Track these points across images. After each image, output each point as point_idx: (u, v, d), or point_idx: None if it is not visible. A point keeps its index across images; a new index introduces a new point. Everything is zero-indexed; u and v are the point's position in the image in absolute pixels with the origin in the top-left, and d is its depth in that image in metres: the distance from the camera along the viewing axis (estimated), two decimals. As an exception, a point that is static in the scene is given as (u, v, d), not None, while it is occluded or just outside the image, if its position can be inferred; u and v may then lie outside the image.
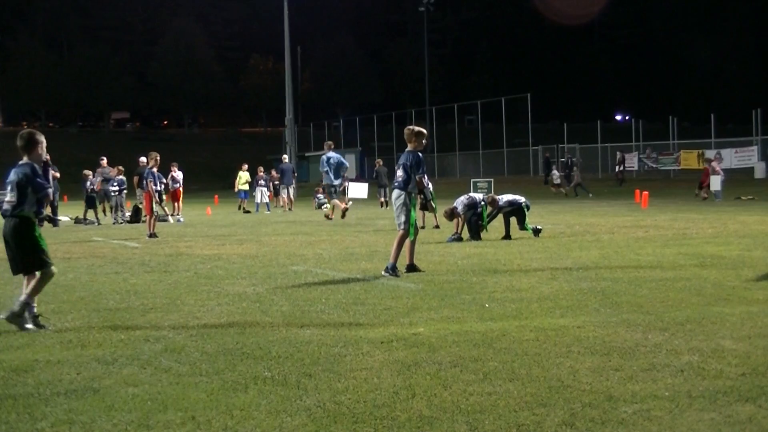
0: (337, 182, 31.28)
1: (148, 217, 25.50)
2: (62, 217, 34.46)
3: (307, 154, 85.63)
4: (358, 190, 50.30)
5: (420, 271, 14.56)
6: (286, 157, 46.81)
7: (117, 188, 33.49)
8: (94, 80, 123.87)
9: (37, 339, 9.22)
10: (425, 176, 16.68)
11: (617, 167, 60.66)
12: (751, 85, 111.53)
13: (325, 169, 30.50)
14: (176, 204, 35.54)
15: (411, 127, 14.87)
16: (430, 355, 7.98)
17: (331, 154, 30.88)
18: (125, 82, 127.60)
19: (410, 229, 14.45)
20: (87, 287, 13.37)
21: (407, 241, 14.61)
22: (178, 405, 6.54)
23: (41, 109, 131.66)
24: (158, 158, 25.81)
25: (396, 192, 14.68)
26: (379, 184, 43.95)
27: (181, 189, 36.14)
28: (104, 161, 36.42)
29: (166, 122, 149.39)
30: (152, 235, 24.22)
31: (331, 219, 30.29)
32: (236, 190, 45.08)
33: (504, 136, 74.40)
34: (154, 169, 25.87)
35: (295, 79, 79.53)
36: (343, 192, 33.73)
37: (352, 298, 11.64)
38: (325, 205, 43.12)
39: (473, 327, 9.37)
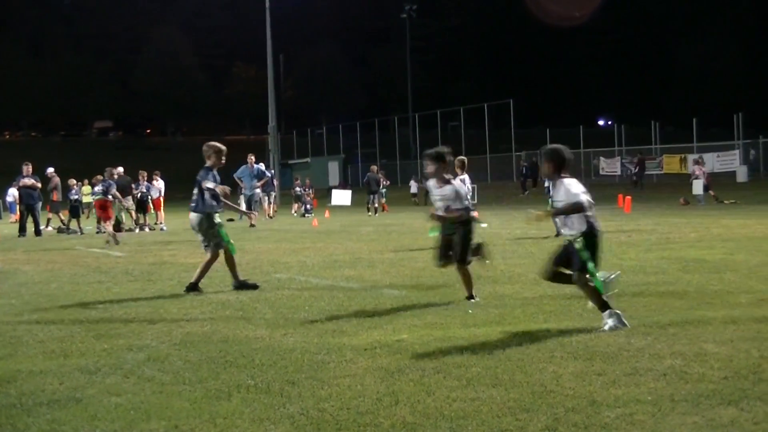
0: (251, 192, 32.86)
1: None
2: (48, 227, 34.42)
3: (290, 162, 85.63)
4: (341, 197, 50.37)
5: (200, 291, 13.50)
6: (262, 165, 46.77)
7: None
8: (77, 89, 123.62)
9: (19, 349, 9.20)
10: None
11: (634, 169, 60.47)
12: (734, 89, 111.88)
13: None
14: (159, 213, 35.47)
15: (211, 143, 14.17)
16: (414, 362, 7.99)
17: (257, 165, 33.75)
18: (109, 90, 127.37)
19: (231, 246, 13.86)
20: (70, 296, 13.34)
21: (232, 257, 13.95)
22: (162, 414, 6.53)
23: (23, 118, 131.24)
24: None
25: (193, 216, 13.92)
26: (369, 191, 43.92)
27: (162, 198, 36.05)
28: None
29: (149, 131, 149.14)
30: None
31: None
32: None
33: (487, 141, 74.47)
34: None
35: (278, 86, 79.45)
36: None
37: (336, 305, 11.64)
38: (310, 213, 43.15)
39: (457, 333, 9.37)
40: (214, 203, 13.81)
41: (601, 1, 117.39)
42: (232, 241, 14.05)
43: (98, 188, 28.78)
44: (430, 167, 11.84)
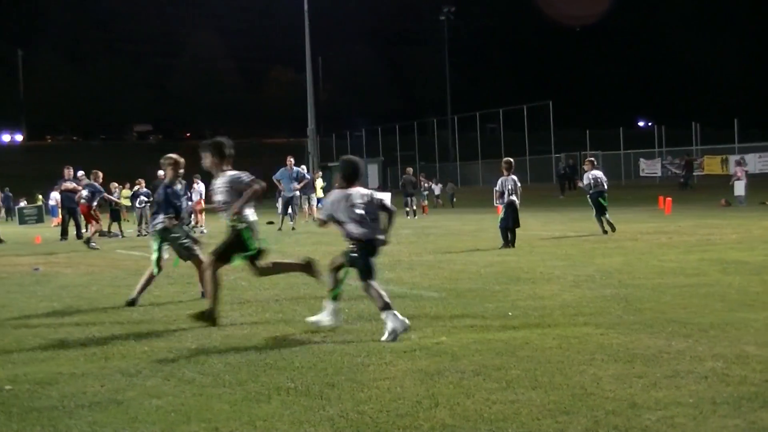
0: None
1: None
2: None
3: (329, 164, 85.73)
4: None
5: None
6: (304, 168, 46.90)
7: (145, 200, 33.48)
8: (116, 93, 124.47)
9: (60, 352, 9.26)
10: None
11: (682, 171, 60.05)
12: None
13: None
14: (199, 216, 35.58)
15: (168, 155, 13.62)
16: (453, 364, 7.97)
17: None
18: (147, 94, 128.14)
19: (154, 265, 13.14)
20: (110, 299, 13.41)
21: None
22: (202, 416, 6.56)
23: (64, 122, 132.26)
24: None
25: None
26: (405, 193, 43.84)
27: (202, 201, 36.14)
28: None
29: (188, 134, 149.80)
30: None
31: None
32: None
33: (526, 143, 74.25)
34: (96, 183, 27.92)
35: (316, 89, 79.57)
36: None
37: (374, 308, 11.61)
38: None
39: (496, 335, 9.35)
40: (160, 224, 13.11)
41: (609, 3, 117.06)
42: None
43: (85, 192, 29.23)
44: (206, 160, 11.44)
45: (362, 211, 10.12)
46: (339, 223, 10.35)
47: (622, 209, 38.90)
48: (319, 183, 44.76)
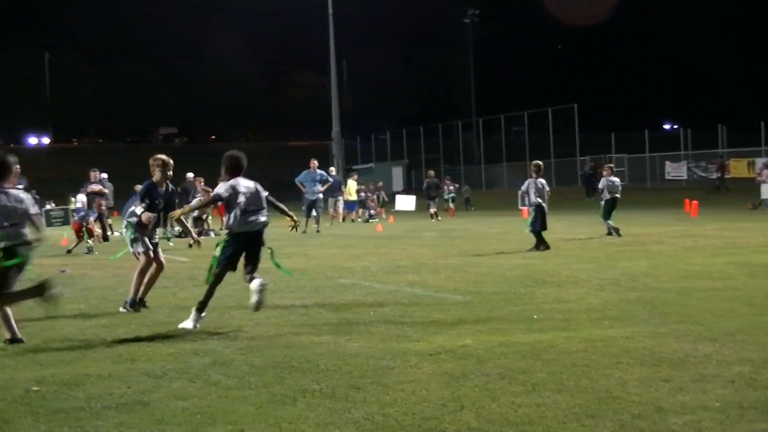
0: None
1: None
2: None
3: (354, 167, 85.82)
4: (406, 202, 50.33)
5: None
6: (333, 170, 46.94)
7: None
8: (141, 96, 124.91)
9: (87, 353, 9.30)
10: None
11: (716, 173, 59.69)
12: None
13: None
14: (222, 218, 35.65)
15: (157, 156, 13.53)
16: (478, 367, 7.97)
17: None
18: (172, 97, 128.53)
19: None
20: (136, 302, 13.44)
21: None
22: (227, 418, 6.57)
23: (90, 125, 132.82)
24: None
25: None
26: (428, 196, 43.77)
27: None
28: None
29: (213, 137, 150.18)
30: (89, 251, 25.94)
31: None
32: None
33: (551, 146, 74.04)
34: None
35: (340, 92, 79.63)
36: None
37: (400, 310, 11.63)
38: (374, 219, 43.14)
39: (521, 338, 9.34)
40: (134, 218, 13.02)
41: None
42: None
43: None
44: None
45: (244, 200, 11.12)
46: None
47: (647, 212, 38.76)
48: (353, 185, 44.80)
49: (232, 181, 11.33)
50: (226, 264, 11.20)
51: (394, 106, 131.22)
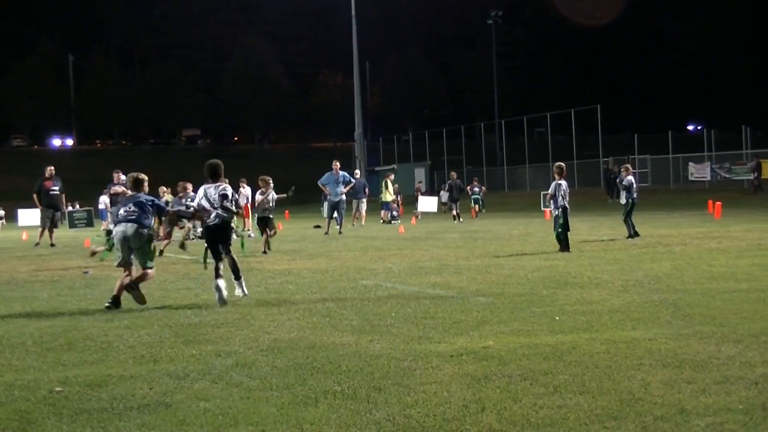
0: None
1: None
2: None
3: (376, 168, 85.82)
4: (428, 203, 50.32)
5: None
6: (357, 172, 47.02)
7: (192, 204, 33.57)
8: (166, 98, 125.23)
9: (110, 354, 9.34)
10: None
11: (753, 174, 59.37)
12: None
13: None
14: (246, 220, 35.73)
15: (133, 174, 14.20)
16: (500, 369, 7.96)
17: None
18: (197, 99, 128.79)
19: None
20: (159, 302, 13.49)
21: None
22: (249, 419, 6.59)
23: (114, 126, 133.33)
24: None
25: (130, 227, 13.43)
26: (451, 198, 43.74)
27: (249, 205, 36.24)
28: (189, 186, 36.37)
29: (237, 138, 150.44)
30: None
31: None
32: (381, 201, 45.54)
33: (574, 148, 73.89)
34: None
35: (364, 93, 79.74)
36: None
37: (422, 311, 11.63)
38: (396, 220, 43.15)
39: (543, 340, 9.33)
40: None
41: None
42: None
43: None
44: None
45: (207, 202, 13.65)
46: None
47: (670, 214, 38.64)
48: (390, 186, 44.93)
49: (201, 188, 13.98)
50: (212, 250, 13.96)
51: (417, 107, 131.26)
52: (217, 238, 13.72)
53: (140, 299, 13.03)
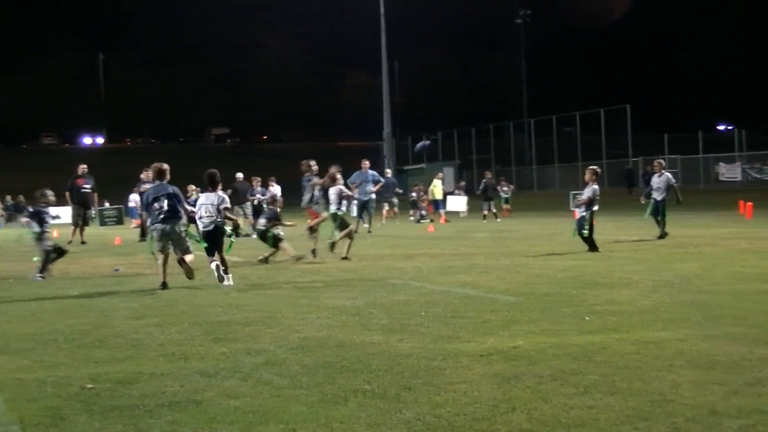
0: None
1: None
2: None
3: (405, 168, 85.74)
4: (457, 203, 50.27)
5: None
6: (389, 171, 47.08)
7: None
8: (193, 96, 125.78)
9: (140, 352, 9.38)
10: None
11: None
12: None
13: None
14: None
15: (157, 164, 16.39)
16: (530, 368, 7.94)
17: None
18: (224, 97, 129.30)
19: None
20: (189, 301, 13.55)
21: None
22: (279, 417, 6.60)
23: (143, 125, 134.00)
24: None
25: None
26: (486, 197, 43.72)
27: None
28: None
29: (264, 137, 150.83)
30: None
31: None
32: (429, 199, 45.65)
33: (603, 147, 73.63)
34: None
35: (392, 92, 79.67)
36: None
37: (451, 311, 11.62)
38: (425, 219, 43.13)
39: (573, 340, 9.30)
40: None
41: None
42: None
43: None
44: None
45: (204, 212, 15.90)
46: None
47: (700, 214, 38.43)
48: (439, 185, 45.09)
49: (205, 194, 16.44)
50: (208, 250, 16.05)
51: (446, 106, 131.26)
52: (211, 239, 16.02)
53: (190, 273, 15.52)
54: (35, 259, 18.03)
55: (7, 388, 7.75)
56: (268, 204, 22.52)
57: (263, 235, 20.91)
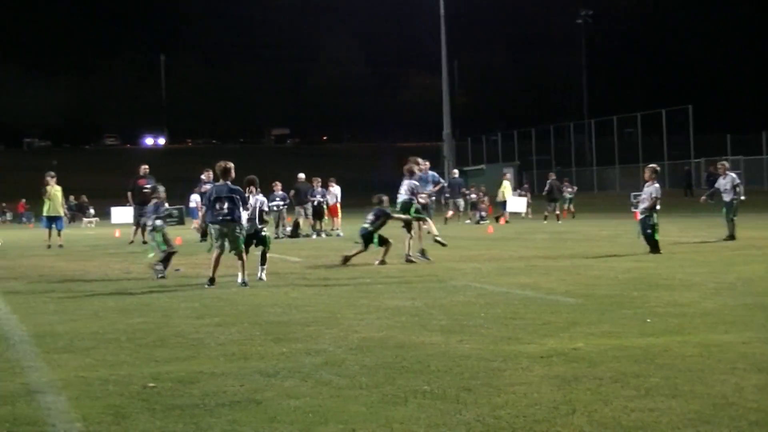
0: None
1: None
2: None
3: (465, 168, 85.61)
4: (517, 204, 50.12)
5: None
6: (456, 172, 47.21)
7: (281, 203, 33.69)
8: (254, 97, 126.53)
9: (201, 351, 9.45)
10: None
11: None
12: None
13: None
14: (335, 219, 35.90)
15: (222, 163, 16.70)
16: (590, 371, 7.90)
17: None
18: (284, 98, 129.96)
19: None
20: (248, 301, 13.63)
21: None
22: (339, 418, 6.61)
23: (203, 126, 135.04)
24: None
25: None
26: (551, 198, 43.69)
27: (338, 204, 36.38)
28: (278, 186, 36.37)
29: (324, 137, 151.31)
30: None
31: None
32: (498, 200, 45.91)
33: (665, 148, 72.99)
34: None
35: (452, 93, 79.56)
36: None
37: (511, 312, 11.58)
38: (485, 220, 43.06)
39: (634, 342, 9.23)
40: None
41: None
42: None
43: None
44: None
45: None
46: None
47: (764, 216, 37.99)
48: (508, 186, 45.23)
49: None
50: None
51: (506, 107, 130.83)
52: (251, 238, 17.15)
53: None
54: (150, 255, 18.39)
55: (70, 387, 7.83)
56: (374, 203, 21.21)
57: (369, 236, 20.03)
